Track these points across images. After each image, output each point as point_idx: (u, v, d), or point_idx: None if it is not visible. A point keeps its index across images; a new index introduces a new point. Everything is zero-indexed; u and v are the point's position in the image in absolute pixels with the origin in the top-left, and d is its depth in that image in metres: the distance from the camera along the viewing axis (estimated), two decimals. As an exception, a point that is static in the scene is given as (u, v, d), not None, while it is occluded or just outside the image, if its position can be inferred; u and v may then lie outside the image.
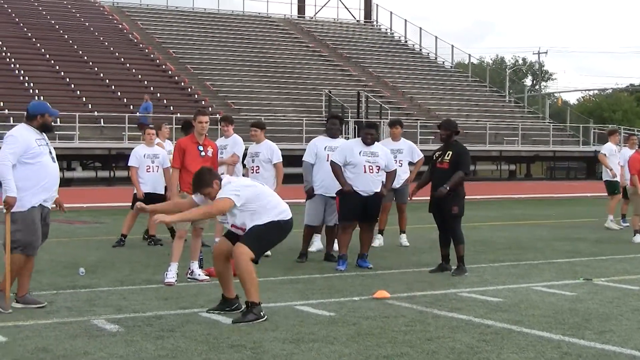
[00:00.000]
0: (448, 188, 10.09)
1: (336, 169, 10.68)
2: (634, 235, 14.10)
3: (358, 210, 10.58)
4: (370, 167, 10.62)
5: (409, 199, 11.87)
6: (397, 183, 12.65)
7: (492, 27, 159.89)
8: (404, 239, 13.22)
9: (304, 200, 11.72)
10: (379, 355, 6.14)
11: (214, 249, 7.82)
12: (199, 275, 9.63)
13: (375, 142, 10.91)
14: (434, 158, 10.54)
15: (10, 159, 7.60)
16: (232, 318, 7.33)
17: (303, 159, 11.57)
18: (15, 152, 7.65)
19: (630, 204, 15.32)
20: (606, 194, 17.38)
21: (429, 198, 10.52)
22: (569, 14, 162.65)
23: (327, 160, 11.15)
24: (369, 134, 10.78)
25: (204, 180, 7.50)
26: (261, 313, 7.29)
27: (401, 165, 12.94)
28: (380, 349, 6.32)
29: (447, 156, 10.34)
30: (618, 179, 16.55)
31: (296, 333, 6.83)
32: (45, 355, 6.11)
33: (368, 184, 10.59)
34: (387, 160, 10.84)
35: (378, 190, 10.66)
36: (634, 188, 14.44)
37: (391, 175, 10.95)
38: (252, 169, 11.93)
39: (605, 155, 16.88)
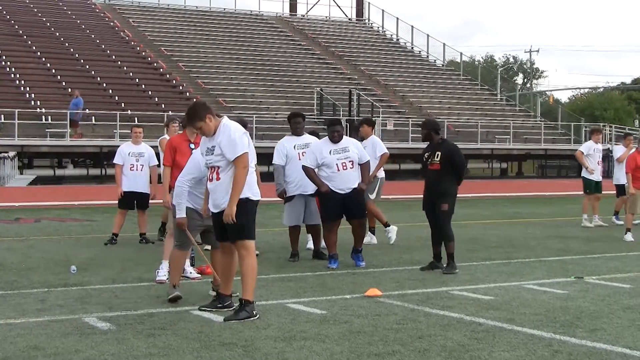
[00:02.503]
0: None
1: (309, 172, 10.67)
2: (626, 233, 14.13)
3: (338, 209, 10.59)
4: (344, 164, 10.62)
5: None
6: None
7: (483, 26, 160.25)
8: (388, 234, 13.05)
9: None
10: (371, 353, 6.15)
11: (222, 244, 7.73)
12: (191, 273, 9.63)
13: (344, 137, 10.88)
14: (424, 159, 10.55)
15: (187, 183, 8.26)
16: (224, 316, 7.33)
17: (273, 162, 11.40)
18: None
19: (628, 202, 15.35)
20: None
21: (421, 196, 10.55)
22: (560, 12, 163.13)
23: (300, 159, 11.14)
24: (335, 131, 10.75)
25: (196, 113, 7.42)
26: (254, 312, 7.29)
27: None
28: (371, 347, 6.32)
29: (437, 157, 10.32)
30: (595, 177, 16.63)
31: (288, 331, 6.83)
32: (37, 353, 6.09)
33: (344, 182, 10.58)
34: (359, 152, 10.79)
35: (355, 186, 10.65)
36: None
37: (365, 167, 10.88)
38: None
39: (582, 152, 16.95)
